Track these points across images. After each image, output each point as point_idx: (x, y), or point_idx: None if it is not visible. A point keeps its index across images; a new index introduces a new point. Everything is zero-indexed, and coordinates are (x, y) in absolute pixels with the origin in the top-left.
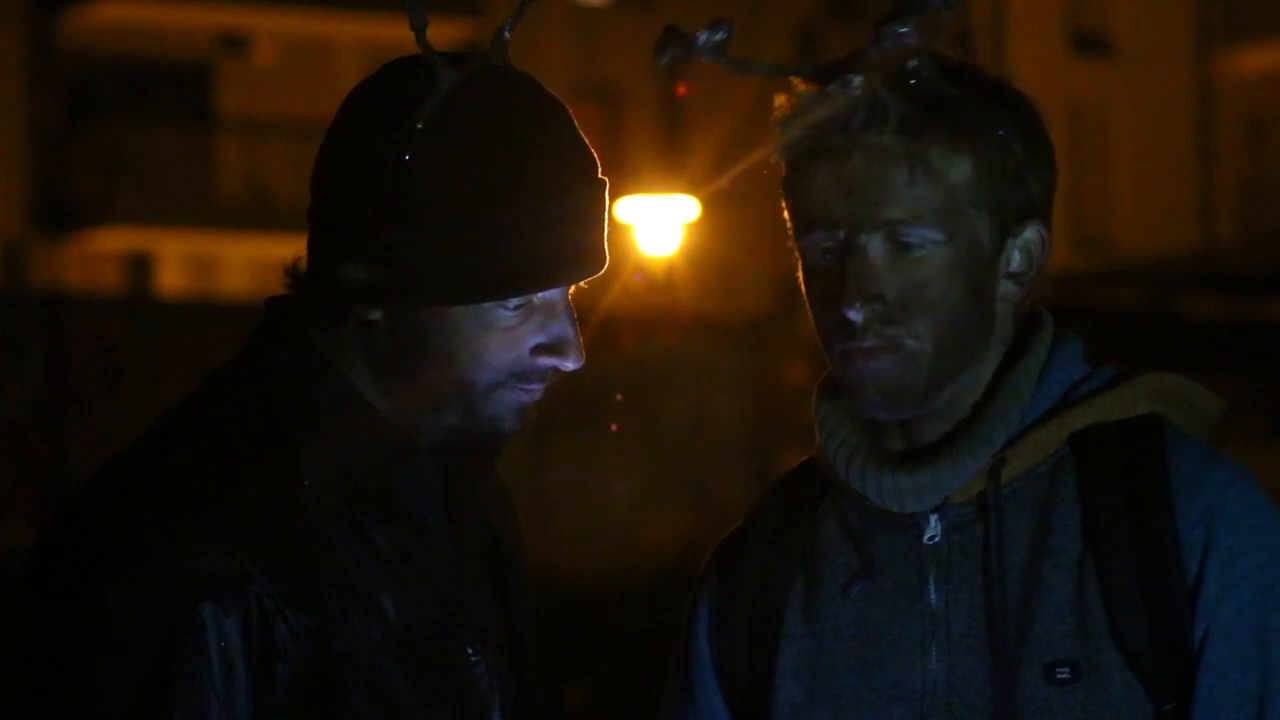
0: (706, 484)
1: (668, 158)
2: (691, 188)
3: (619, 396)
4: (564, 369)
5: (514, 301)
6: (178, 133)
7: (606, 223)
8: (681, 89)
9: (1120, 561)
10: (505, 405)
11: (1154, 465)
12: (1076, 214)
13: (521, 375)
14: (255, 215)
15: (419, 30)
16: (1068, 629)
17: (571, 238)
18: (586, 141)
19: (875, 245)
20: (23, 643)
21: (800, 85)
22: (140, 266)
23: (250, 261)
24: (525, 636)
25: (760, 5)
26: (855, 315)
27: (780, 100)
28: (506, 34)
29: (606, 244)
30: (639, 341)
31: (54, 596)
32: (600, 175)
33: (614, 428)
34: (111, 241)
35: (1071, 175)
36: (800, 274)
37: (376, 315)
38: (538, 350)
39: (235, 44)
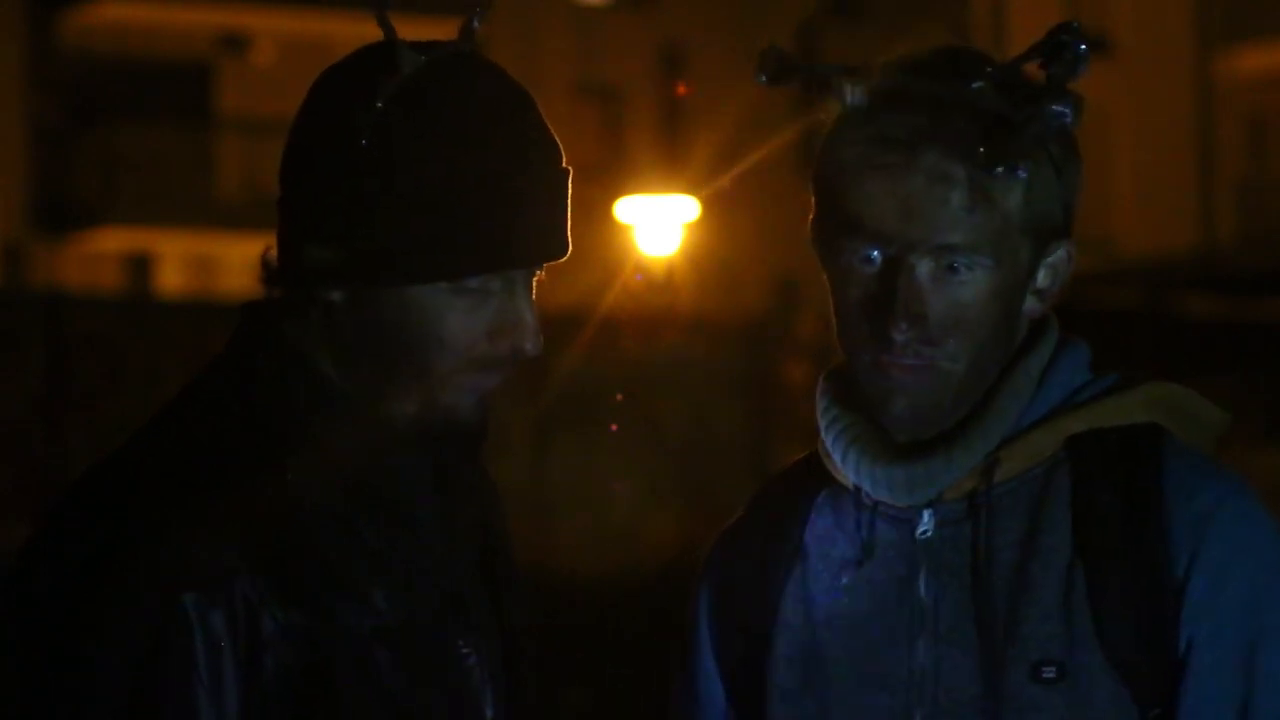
0: (706, 484)
1: (668, 158)
2: (691, 188)
3: (619, 396)
4: (521, 353)
5: (472, 283)
6: (178, 133)
7: (568, 211)
8: (681, 89)
9: (1109, 565)
10: (462, 393)
11: (1149, 472)
12: (1077, 214)
13: (479, 361)
14: (255, 215)
15: (383, 14)
16: (1054, 629)
17: (530, 221)
18: (549, 130)
19: (925, 266)
20: (14, 643)
21: (849, 93)
22: (140, 266)
23: (250, 261)
24: (519, 631)
25: (760, 5)
26: (900, 335)
27: (830, 110)
28: (475, 23)
29: (568, 232)
30: (639, 341)
31: (44, 598)
32: (564, 165)
33: (614, 428)
34: (111, 241)
35: None
36: (827, 275)
37: (337, 297)
38: (495, 334)
39: (235, 44)
